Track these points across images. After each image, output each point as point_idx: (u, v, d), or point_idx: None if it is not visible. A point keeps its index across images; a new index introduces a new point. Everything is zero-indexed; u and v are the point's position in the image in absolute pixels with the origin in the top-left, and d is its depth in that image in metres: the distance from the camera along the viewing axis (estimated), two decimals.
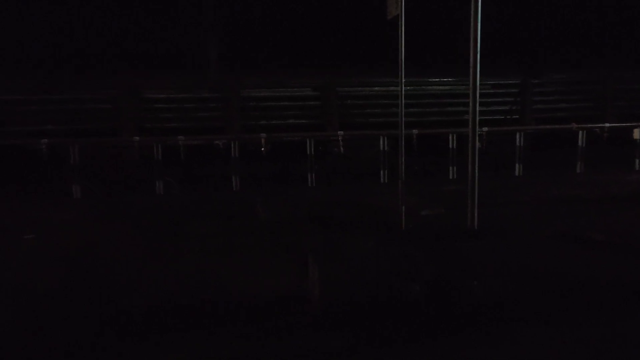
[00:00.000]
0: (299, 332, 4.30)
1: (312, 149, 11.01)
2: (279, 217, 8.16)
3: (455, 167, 11.50)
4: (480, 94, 6.88)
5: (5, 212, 8.72)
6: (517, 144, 11.80)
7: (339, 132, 12.27)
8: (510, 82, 14.14)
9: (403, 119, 7.09)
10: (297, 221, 7.78)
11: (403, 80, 6.98)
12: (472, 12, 6.49)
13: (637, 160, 12.02)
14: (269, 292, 5.09)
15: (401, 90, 6.99)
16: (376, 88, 13.60)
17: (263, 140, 11.25)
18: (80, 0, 13.74)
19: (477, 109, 6.68)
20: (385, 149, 11.35)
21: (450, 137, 11.44)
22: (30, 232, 7.39)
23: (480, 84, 6.67)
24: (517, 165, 11.76)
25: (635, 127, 12.09)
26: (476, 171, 6.66)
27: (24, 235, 7.26)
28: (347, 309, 4.52)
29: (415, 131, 11.77)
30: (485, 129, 11.89)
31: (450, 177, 11.42)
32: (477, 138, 6.68)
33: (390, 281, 4.75)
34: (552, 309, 4.62)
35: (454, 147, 11.47)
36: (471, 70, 6.57)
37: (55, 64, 12.98)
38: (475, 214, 6.75)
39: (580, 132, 11.96)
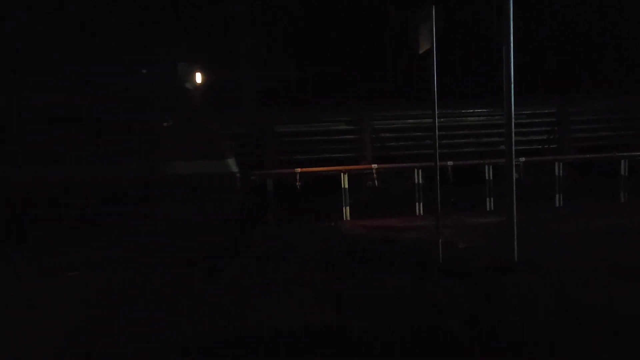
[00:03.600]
0: None
1: (346, 182, 11.02)
2: (315, 252, 8.15)
3: (492, 199, 11.32)
4: (516, 124, 6.79)
5: None
6: (556, 173, 11.57)
7: (372, 165, 12.27)
8: (546, 111, 13.92)
9: (438, 150, 7.05)
10: (334, 256, 7.75)
11: (436, 112, 6.97)
12: (504, 42, 6.47)
13: None
14: (304, 325, 5.04)
15: (435, 122, 6.97)
16: (410, 121, 13.58)
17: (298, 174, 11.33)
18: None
19: (513, 138, 6.59)
20: (420, 181, 11.28)
21: (486, 168, 11.30)
22: None
23: (515, 114, 6.59)
24: (556, 195, 11.50)
25: None
26: (514, 202, 6.52)
27: None
28: (387, 344, 4.42)
29: (450, 163, 11.68)
30: (522, 159, 11.71)
31: (488, 209, 11.24)
32: (513, 168, 6.56)
33: (429, 316, 4.65)
34: (596, 347, 4.43)
35: (491, 178, 11.32)
36: (505, 98, 6.51)
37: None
38: (515, 247, 6.57)
39: (622, 160, 11.66)
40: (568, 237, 8.42)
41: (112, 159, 9.64)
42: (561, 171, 11.59)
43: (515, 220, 6.53)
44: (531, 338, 4.61)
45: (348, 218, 10.95)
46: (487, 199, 11.33)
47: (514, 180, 6.60)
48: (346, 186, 11.05)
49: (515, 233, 6.55)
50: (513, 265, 6.53)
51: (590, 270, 6.51)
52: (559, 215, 10.51)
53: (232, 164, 9.97)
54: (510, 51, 6.40)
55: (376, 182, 12.19)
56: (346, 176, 11.07)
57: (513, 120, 6.51)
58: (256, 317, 5.35)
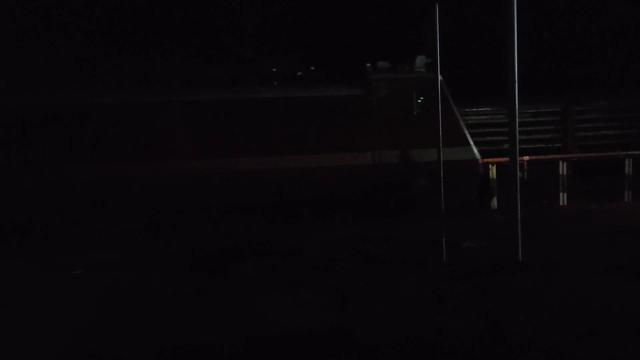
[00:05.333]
0: None
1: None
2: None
3: (496, 198, 11.29)
4: (520, 123, 6.75)
5: None
6: (560, 172, 11.51)
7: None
8: (551, 110, 13.85)
9: (441, 151, 7.03)
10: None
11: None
12: (508, 40, 6.43)
13: None
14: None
15: (438, 122, 6.95)
16: None
17: None
18: None
19: (517, 137, 6.54)
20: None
21: (490, 167, 11.26)
22: None
23: (520, 113, 6.55)
24: (561, 194, 11.46)
25: None
26: (518, 202, 6.47)
27: None
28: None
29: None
30: (526, 157, 11.66)
31: (492, 208, 11.22)
32: (517, 168, 6.52)
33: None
34: (602, 348, 4.40)
35: (494, 177, 11.29)
36: (509, 96, 6.47)
37: None
38: (519, 246, 6.52)
39: (627, 159, 11.60)
40: (572, 236, 8.38)
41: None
42: (565, 170, 11.54)
43: (519, 220, 6.48)
44: (530, 336, 4.59)
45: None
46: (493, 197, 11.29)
47: (518, 180, 6.55)
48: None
49: (520, 232, 6.49)
50: (518, 265, 6.50)
51: (593, 270, 6.48)
52: (563, 214, 10.46)
53: (475, 152, 10.83)
54: (514, 49, 6.36)
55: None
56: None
57: (517, 120, 6.47)
58: None
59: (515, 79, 6.41)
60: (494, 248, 7.64)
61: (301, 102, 10.47)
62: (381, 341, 4.61)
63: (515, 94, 6.41)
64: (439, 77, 10.20)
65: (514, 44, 6.35)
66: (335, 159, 10.40)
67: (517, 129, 6.52)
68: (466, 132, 10.88)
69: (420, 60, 10.86)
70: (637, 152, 12.01)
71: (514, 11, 6.29)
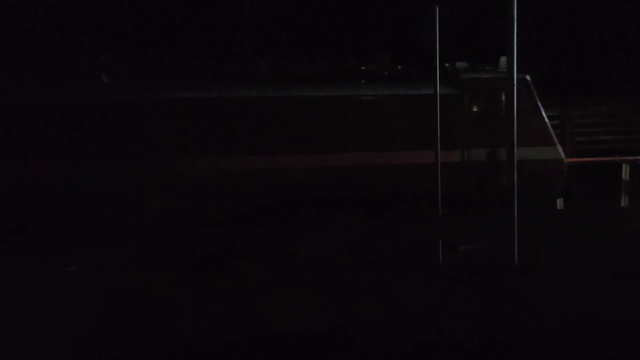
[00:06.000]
0: None
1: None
2: None
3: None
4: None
5: None
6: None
7: None
8: (548, 114, 13.82)
9: (439, 147, 7.02)
10: None
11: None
12: (507, 42, 6.44)
13: None
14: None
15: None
16: None
17: None
18: None
19: (515, 141, 6.54)
20: None
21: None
22: None
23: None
24: (557, 199, 11.45)
25: None
26: (515, 203, 6.45)
27: None
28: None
29: None
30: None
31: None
32: (515, 169, 6.49)
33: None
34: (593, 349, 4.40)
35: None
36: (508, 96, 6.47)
37: None
38: (516, 249, 6.49)
39: (624, 164, 11.61)
40: (569, 240, 8.38)
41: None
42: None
43: (516, 223, 6.46)
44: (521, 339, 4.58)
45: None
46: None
47: (516, 183, 6.53)
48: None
49: (517, 236, 6.46)
50: (514, 268, 6.46)
51: (588, 273, 6.47)
52: (561, 218, 10.49)
53: (560, 151, 11.21)
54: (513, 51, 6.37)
55: None
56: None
57: (515, 120, 6.47)
58: None
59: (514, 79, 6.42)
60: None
61: (401, 100, 10.70)
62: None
63: (514, 90, 6.43)
64: (527, 77, 11.09)
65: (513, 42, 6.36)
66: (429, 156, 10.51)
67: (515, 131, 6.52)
68: (552, 131, 11.21)
69: (503, 60, 10.95)
70: (634, 158, 12.01)
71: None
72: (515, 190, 6.35)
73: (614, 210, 11.06)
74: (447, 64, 11.10)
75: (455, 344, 4.53)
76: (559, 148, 11.16)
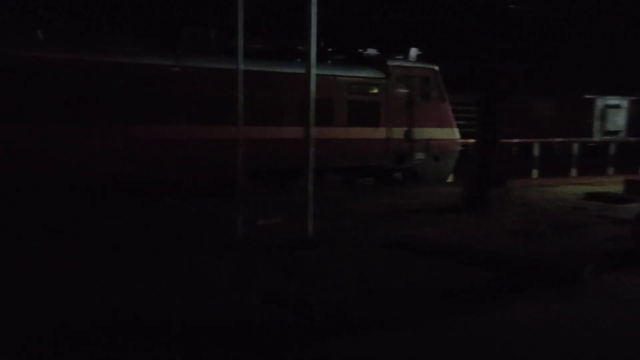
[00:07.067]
0: None
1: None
2: None
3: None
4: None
5: None
6: None
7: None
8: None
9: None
10: None
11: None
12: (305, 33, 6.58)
13: None
14: None
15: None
16: None
17: None
18: None
19: (312, 120, 6.72)
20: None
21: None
22: None
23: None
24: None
25: None
26: (310, 179, 6.66)
27: None
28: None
29: None
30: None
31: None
32: (312, 145, 6.69)
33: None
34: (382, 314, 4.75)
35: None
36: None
37: None
38: (310, 224, 6.71)
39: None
40: (351, 216, 8.89)
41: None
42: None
43: (312, 199, 6.69)
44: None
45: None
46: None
47: (312, 158, 6.73)
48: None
49: (312, 211, 6.70)
50: (309, 242, 6.70)
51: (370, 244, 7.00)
52: (354, 195, 11.22)
53: (457, 132, 13.51)
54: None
55: None
56: None
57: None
58: None
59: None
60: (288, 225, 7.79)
61: (335, 80, 11.70)
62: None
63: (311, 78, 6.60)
64: (436, 67, 12.99)
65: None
66: (360, 132, 12.03)
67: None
68: (452, 116, 13.40)
69: (413, 51, 13.06)
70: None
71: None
72: (312, 164, 6.57)
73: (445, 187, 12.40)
74: (360, 50, 12.76)
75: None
76: (457, 130, 13.32)
